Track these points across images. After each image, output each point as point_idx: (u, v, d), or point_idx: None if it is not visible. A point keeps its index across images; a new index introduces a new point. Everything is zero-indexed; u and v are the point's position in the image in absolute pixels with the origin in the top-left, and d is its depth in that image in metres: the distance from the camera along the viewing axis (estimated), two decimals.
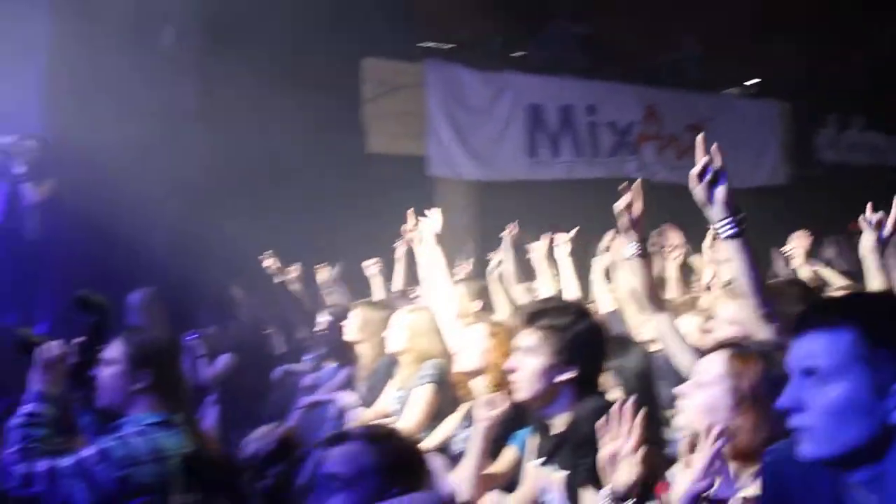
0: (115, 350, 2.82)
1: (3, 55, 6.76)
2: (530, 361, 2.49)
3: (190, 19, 7.51)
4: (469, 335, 3.37)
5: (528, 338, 2.52)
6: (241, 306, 6.26)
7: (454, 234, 4.60)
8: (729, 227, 2.26)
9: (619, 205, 2.72)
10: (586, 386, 2.45)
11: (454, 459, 3.16)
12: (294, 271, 6.60)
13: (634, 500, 1.94)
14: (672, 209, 4.71)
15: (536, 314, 2.55)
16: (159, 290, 5.04)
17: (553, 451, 2.43)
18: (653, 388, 2.95)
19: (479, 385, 3.24)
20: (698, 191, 2.28)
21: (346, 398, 4.27)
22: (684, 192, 2.40)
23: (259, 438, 2.60)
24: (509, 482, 2.85)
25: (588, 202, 6.20)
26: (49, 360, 2.81)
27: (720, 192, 2.25)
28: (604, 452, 2.02)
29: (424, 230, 3.85)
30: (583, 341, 2.49)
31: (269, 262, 6.66)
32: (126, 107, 6.73)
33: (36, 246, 6.45)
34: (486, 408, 2.76)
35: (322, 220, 7.26)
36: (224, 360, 5.72)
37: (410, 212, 4.08)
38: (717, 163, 2.25)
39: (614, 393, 2.77)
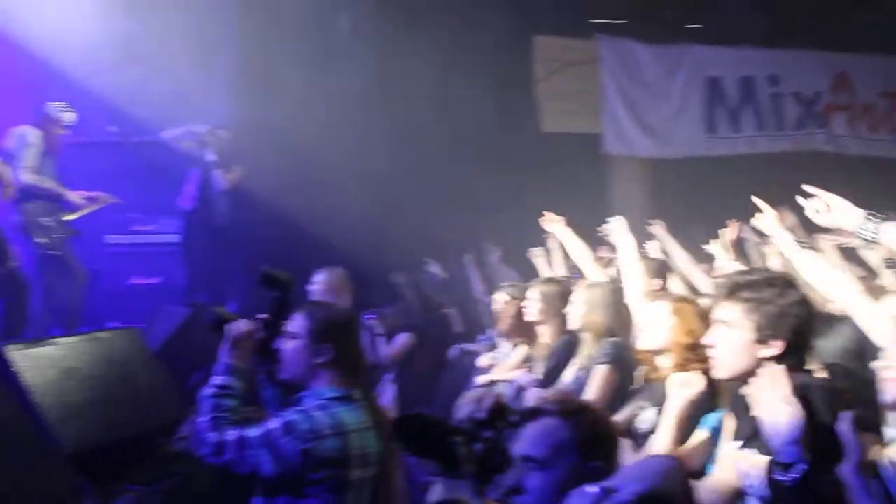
0: (297, 324, 2.87)
1: (197, 50, 7.18)
2: (731, 336, 2.31)
3: (366, 5, 7.66)
4: (652, 312, 3.21)
5: (729, 310, 2.33)
6: (417, 287, 6.32)
7: (629, 213, 4.48)
8: None
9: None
10: (792, 363, 2.24)
11: (637, 440, 3.01)
12: (489, 252, 6.60)
13: None
14: (865, 185, 4.30)
15: (739, 286, 2.36)
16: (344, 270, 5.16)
17: (754, 434, 2.24)
18: (864, 368, 2.68)
19: (664, 364, 3.08)
20: None
21: (524, 378, 4.20)
22: (880, 166, 2.16)
23: (471, 401, 2.57)
24: (698, 468, 2.68)
25: (769, 177, 5.83)
26: (238, 335, 2.90)
27: None
28: None
29: (614, 231, 3.95)
30: (789, 315, 2.28)
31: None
32: (308, 94, 6.95)
33: (226, 230, 6.81)
34: (680, 387, 2.60)
35: (497, 199, 7.23)
36: (402, 340, 5.80)
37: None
38: None
39: (820, 373, 2.54)
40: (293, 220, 6.55)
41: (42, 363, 2.97)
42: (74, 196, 6.18)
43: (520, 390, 4.09)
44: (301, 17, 7.16)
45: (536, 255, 5.85)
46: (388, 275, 6.49)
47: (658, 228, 5.22)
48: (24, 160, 5.92)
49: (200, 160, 6.84)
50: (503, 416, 2.05)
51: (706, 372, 2.62)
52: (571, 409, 2.06)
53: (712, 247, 4.62)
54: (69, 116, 6.22)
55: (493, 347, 5.45)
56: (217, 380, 2.84)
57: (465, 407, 2.65)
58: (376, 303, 6.02)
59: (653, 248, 5.10)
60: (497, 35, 7.80)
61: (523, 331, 4.69)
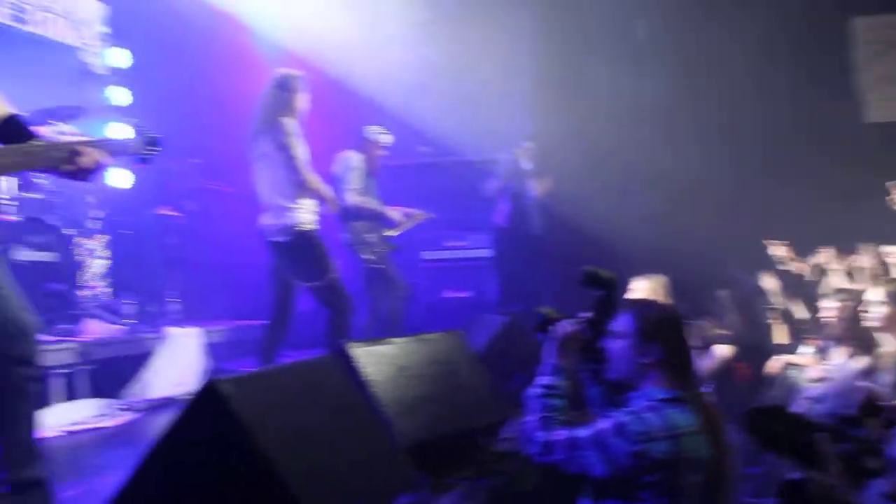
0: (623, 323, 2.80)
1: (496, 77, 7.44)
2: None
3: (667, 5, 7.48)
4: None
5: None
6: (737, 296, 5.99)
7: None
8: None
9: None
10: None
11: None
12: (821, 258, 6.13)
13: None
14: None
15: None
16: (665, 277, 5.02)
17: None
18: None
19: None
20: None
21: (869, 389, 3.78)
22: None
23: (837, 396, 2.36)
24: None
25: None
26: (564, 335, 2.90)
27: None
28: None
29: None
30: None
31: (779, 250, 6.26)
32: (610, 98, 6.91)
33: (538, 239, 6.93)
34: None
35: (816, 199, 6.68)
36: (719, 351, 5.51)
37: None
38: None
39: None
40: (602, 227, 6.52)
41: (380, 360, 3.14)
42: (394, 213, 6.61)
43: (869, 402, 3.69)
44: (600, 22, 7.15)
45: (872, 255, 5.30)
46: (708, 283, 6.20)
47: None
48: (350, 182, 6.43)
49: (514, 174, 7.03)
50: (877, 413, 1.82)
51: None
52: None
53: None
54: (386, 139, 6.68)
55: (821, 359, 5.00)
56: (543, 379, 2.86)
57: (829, 401, 2.39)
58: (697, 312, 5.77)
59: None
60: (808, 22, 7.26)
61: (861, 338, 4.26)
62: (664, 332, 2.76)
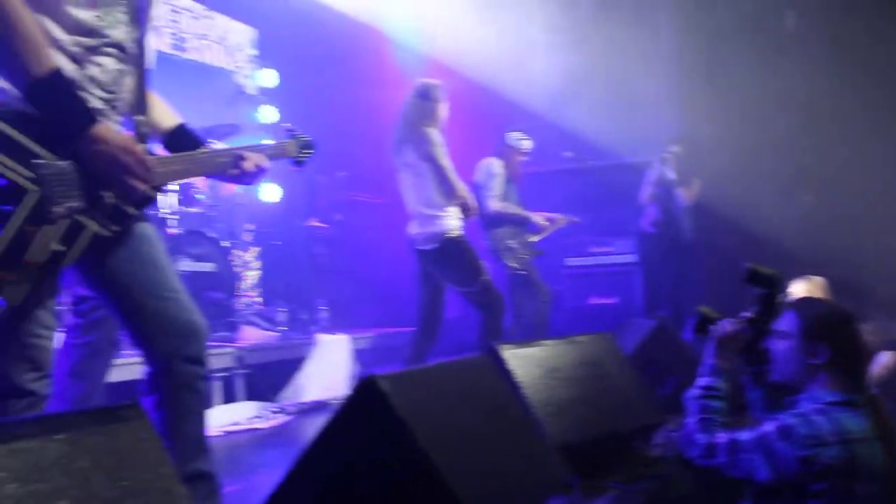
0: (788, 322, 2.66)
1: (637, 77, 7.29)
2: None
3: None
4: None
5: None
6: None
7: None
8: None
9: None
10: None
11: None
12: None
13: None
14: None
15: None
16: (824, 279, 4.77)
17: None
18: None
19: None
20: None
21: None
22: None
23: None
24: None
25: None
26: (724, 335, 2.80)
27: None
28: None
29: None
30: None
31: None
32: (755, 96, 6.66)
33: (686, 244, 6.75)
34: None
35: None
36: (885, 358, 5.18)
37: None
38: None
39: None
40: (756, 228, 6.27)
41: (529, 362, 3.11)
42: (537, 218, 6.58)
43: None
44: (745, 14, 6.90)
45: None
46: (869, 285, 5.85)
47: None
48: (491, 189, 6.44)
49: (662, 180, 6.88)
50: None
51: None
52: None
53: None
54: (527, 144, 6.66)
55: None
56: (703, 381, 2.76)
57: None
58: (858, 316, 5.45)
59: None
60: None
61: None
62: (833, 332, 2.61)
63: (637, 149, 7.37)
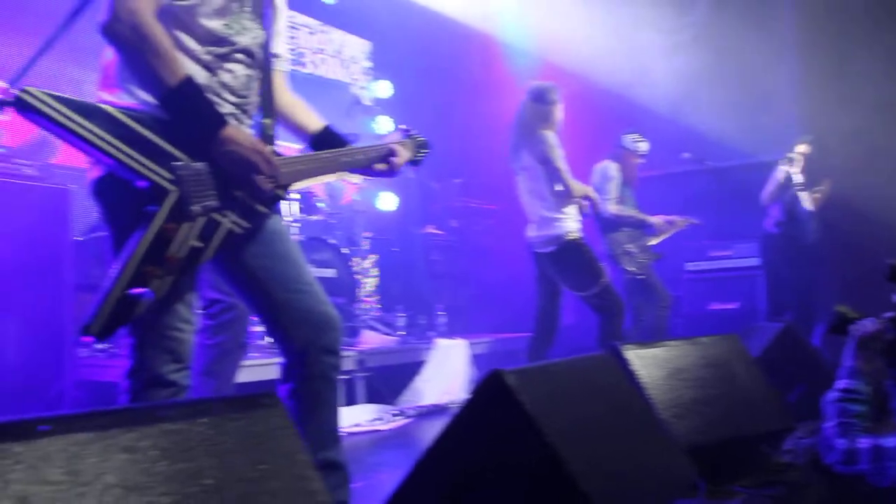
0: None
1: (758, 76, 7.06)
2: None
3: None
4: None
5: None
6: None
7: None
8: None
9: None
10: None
11: None
12: None
13: None
14: None
15: None
16: None
17: None
18: None
19: None
20: None
21: None
22: None
23: None
24: None
25: None
26: (864, 336, 2.69)
27: None
28: None
29: None
30: None
31: None
32: (887, 91, 6.35)
33: (811, 247, 6.48)
34: None
35: None
36: None
37: None
38: None
39: None
40: (891, 227, 5.96)
41: (652, 362, 3.05)
42: (656, 220, 6.44)
43: None
44: (869, 6, 6.58)
45: None
46: None
47: None
48: (608, 192, 6.34)
49: (787, 181, 6.63)
50: None
51: None
52: None
53: None
54: (643, 146, 6.54)
55: None
56: (842, 383, 2.65)
57: None
58: None
59: None
60: None
61: None
62: None
63: (760, 148, 7.12)
